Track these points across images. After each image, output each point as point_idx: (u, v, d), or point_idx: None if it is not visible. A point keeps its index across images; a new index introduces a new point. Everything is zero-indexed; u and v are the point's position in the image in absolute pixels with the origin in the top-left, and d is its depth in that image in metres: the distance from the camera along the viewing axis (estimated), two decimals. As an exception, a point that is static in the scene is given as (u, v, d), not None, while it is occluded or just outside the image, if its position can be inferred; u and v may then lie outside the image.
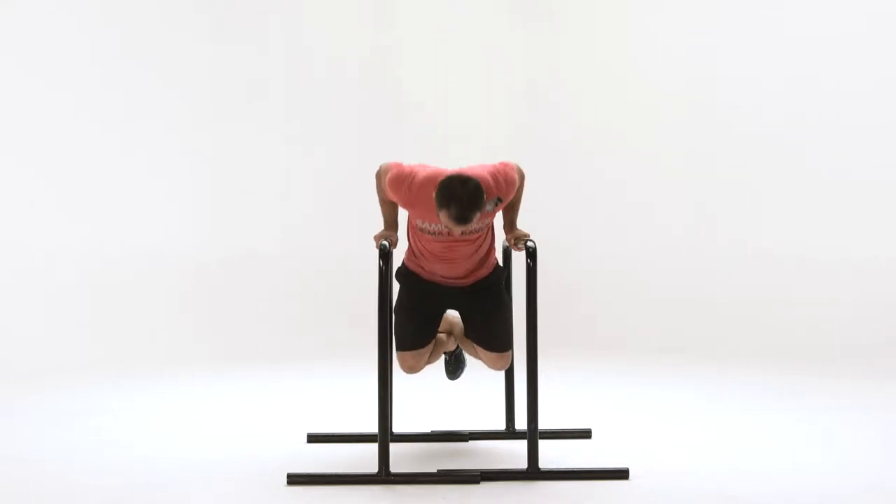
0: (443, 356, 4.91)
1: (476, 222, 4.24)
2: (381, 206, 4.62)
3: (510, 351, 4.62)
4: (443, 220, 4.16)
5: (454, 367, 4.96)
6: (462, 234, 4.31)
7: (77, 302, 7.41)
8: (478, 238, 4.42)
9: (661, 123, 8.08)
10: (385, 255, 4.30)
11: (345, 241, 7.94)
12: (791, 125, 7.64)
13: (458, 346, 4.85)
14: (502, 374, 4.90)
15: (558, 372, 6.50)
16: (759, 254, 7.74)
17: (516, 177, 4.41)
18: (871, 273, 7.38)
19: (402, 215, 4.63)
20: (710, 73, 7.91)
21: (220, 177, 8.02)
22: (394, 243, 4.49)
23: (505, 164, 4.41)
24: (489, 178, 4.28)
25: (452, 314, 4.72)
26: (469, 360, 4.98)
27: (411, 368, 4.60)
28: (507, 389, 4.90)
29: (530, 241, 4.42)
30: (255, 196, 8.11)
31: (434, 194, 4.14)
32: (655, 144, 8.10)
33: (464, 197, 4.07)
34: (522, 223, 4.69)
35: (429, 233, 4.39)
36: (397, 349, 4.56)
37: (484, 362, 4.68)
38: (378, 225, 4.68)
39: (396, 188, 4.33)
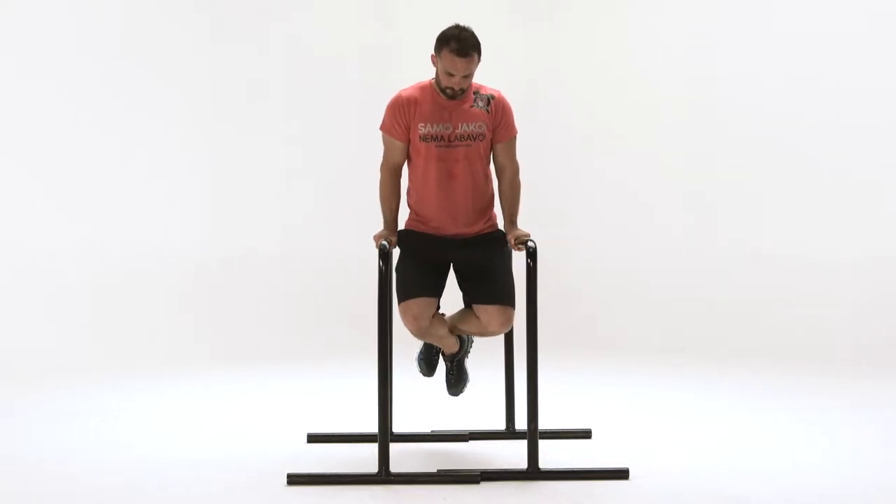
0: (444, 364, 4.83)
1: (475, 65, 4.44)
2: (382, 205, 4.63)
3: (512, 309, 4.51)
4: (444, 64, 4.41)
5: (456, 379, 4.81)
6: (464, 79, 4.44)
7: (77, 302, 7.41)
8: (474, 155, 4.50)
9: (661, 123, 8.08)
10: (385, 255, 4.30)
11: (345, 241, 7.95)
12: (791, 125, 7.64)
13: (460, 349, 4.76)
14: (502, 373, 4.90)
15: (558, 372, 6.50)
16: (759, 254, 7.74)
17: (511, 111, 4.61)
18: (871, 273, 7.38)
19: (403, 214, 4.64)
20: (710, 73, 7.91)
21: (220, 177, 8.02)
22: (393, 243, 4.50)
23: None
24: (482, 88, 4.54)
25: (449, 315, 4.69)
26: (469, 363, 4.92)
27: (416, 319, 4.44)
28: (507, 389, 4.90)
29: (530, 241, 4.42)
30: (255, 196, 8.11)
31: (435, 44, 4.44)
32: (655, 144, 8.10)
33: (462, 32, 4.42)
34: (522, 223, 4.69)
35: (431, 138, 4.46)
36: (400, 301, 4.46)
37: (485, 326, 4.54)
38: (378, 225, 4.68)
39: (392, 112, 4.56)
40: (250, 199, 8.10)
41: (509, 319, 4.52)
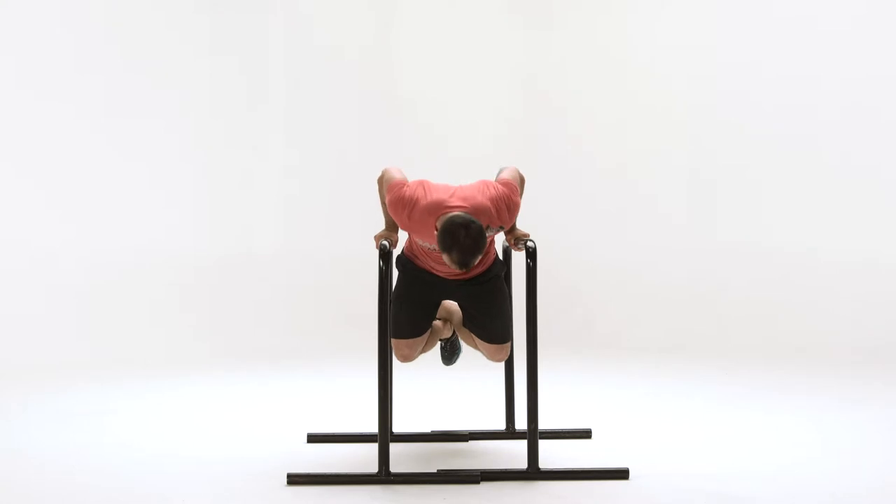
0: (438, 343, 4.89)
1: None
2: (383, 207, 4.62)
3: (509, 342, 4.60)
4: (444, 260, 4.18)
5: (449, 353, 4.94)
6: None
7: (77, 302, 7.41)
8: None
9: (661, 123, 8.08)
10: (385, 255, 4.30)
11: (345, 241, 7.95)
12: (792, 124, 7.65)
13: (454, 333, 4.83)
14: (502, 373, 4.90)
15: (558, 372, 6.50)
16: (760, 253, 7.74)
17: (518, 200, 4.40)
18: (872, 272, 7.38)
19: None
20: (710, 72, 7.91)
21: (220, 176, 8.02)
22: (394, 243, 4.50)
23: (508, 185, 4.37)
24: (491, 209, 4.28)
25: (450, 302, 4.71)
26: (466, 348, 4.95)
27: (406, 357, 4.60)
28: (507, 389, 4.90)
29: (530, 241, 4.42)
30: (254, 196, 8.11)
31: (437, 236, 4.16)
32: (655, 143, 8.10)
33: (466, 244, 4.09)
34: (522, 223, 4.69)
35: (428, 247, 4.43)
36: (392, 337, 4.54)
37: (483, 353, 4.68)
38: (378, 224, 4.68)
39: (396, 213, 4.35)
40: (250, 199, 8.10)
41: (506, 353, 4.63)
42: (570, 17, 8.38)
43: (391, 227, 4.60)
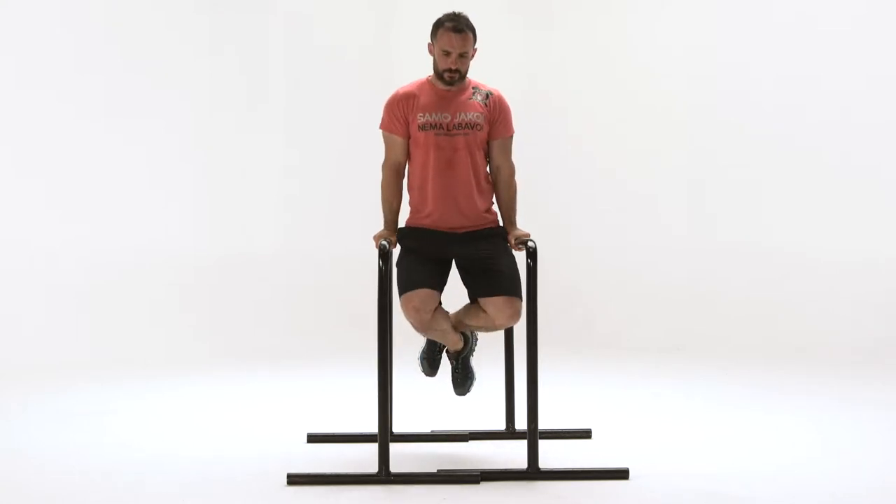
0: (449, 362, 4.79)
1: (471, 45, 4.54)
2: (383, 205, 4.63)
3: (519, 300, 4.45)
4: (440, 44, 4.51)
5: (462, 378, 4.75)
6: (461, 57, 4.54)
7: (77, 302, 7.41)
8: (473, 144, 4.53)
9: (661, 123, 8.08)
10: (385, 255, 4.30)
11: (345, 241, 7.95)
12: (792, 125, 7.65)
13: (465, 348, 4.71)
14: (502, 373, 4.90)
15: (558, 372, 6.50)
16: (760, 253, 7.74)
17: (508, 107, 4.68)
18: (872, 272, 7.38)
19: (404, 211, 4.64)
20: (710, 72, 7.92)
21: (220, 176, 8.02)
22: (394, 243, 4.50)
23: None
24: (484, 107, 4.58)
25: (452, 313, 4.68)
26: (475, 358, 4.89)
27: (418, 311, 4.39)
28: (507, 389, 4.90)
29: (530, 241, 4.42)
30: (254, 196, 8.11)
31: (431, 30, 4.54)
32: (655, 143, 8.11)
33: (457, 14, 4.55)
34: (522, 223, 4.69)
35: (430, 126, 4.49)
36: (401, 293, 4.43)
37: (492, 320, 4.48)
38: (378, 224, 4.68)
39: (389, 108, 4.61)
40: (250, 199, 8.10)
41: (517, 311, 4.45)
42: (570, 17, 8.39)
43: (391, 227, 4.61)
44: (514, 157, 4.70)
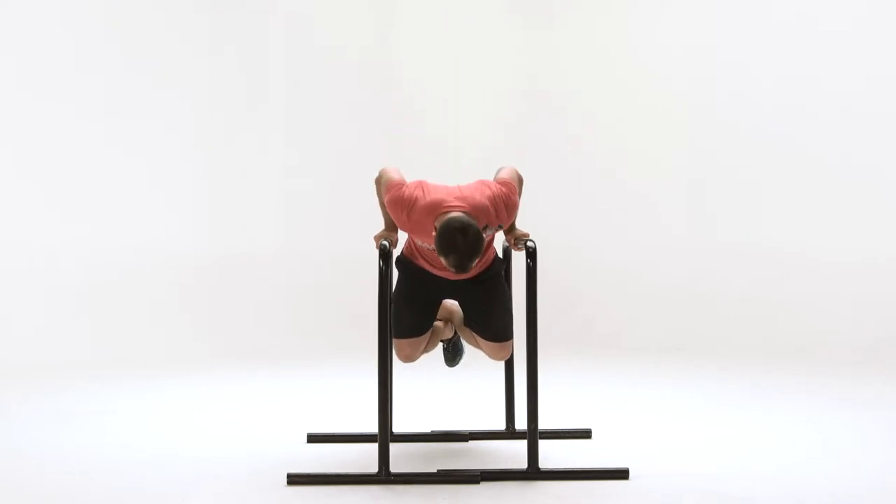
0: (440, 344, 4.89)
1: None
2: (381, 207, 4.62)
3: (510, 341, 4.60)
4: (442, 263, 4.19)
5: (452, 355, 4.94)
6: None
7: (77, 302, 7.41)
8: None
9: (661, 123, 8.08)
10: (385, 255, 4.30)
11: (345, 241, 7.95)
12: (792, 125, 7.65)
13: (455, 334, 4.84)
14: (502, 373, 4.90)
15: (558, 372, 6.50)
16: (760, 253, 7.74)
17: (517, 200, 4.41)
18: (872, 272, 7.38)
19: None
20: (710, 72, 7.92)
21: (220, 176, 8.02)
22: (394, 243, 4.49)
23: (507, 185, 4.38)
24: (489, 208, 4.28)
25: (451, 302, 4.72)
26: (468, 348, 4.94)
27: (408, 357, 4.60)
28: (507, 389, 4.90)
29: (530, 240, 4.42)
30: (254, 196, 8.11)
31: (434, 239, 4.14)
32: (655, 144, 8.10)
33: (463, 248, 4.08)
34: (522, 223, 4.69)
35: (428, 248, 4.42)
36: (394, 337, 4.54)
37: (484, 352, 4.67)
38: (378, 225, 4.68)
39: (395, 213, 4.35)
40: (250, 199, 8.10)
41: (508, 351, 4.63)
42: (570, 17, 8.38)
43: (391, 227, 4.59)
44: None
